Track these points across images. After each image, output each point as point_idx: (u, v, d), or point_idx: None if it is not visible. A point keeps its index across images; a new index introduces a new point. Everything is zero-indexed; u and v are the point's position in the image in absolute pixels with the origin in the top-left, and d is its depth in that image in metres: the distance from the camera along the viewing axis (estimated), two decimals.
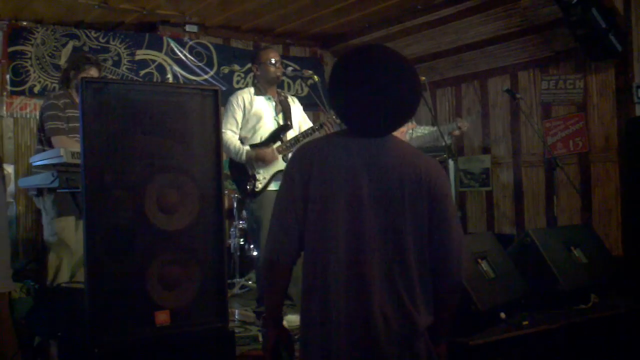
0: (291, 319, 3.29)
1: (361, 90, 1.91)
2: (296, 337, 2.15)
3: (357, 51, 2.00)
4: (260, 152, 4.19)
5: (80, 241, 4.02)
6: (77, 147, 3.81)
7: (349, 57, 2.00)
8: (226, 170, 4.41)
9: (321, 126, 4.22)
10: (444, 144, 4.47)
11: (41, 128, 4.28)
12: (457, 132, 4.47)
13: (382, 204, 1.92)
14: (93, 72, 4.34)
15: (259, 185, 4.18)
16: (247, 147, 4.24)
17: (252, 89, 4.42)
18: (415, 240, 1.94)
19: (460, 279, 2.01)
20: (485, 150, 6.55)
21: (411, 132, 4.42)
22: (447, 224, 1.97)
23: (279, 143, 4.26)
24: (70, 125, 4.24)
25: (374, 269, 1.91)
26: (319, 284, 1.95)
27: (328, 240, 1.93)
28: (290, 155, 4.14)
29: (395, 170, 1.94)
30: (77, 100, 4.33)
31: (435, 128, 4.40)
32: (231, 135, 4.27)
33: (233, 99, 4.37)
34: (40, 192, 4.14)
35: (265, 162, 4.18)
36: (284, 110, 4.41)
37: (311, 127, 4.27)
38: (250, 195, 4.25)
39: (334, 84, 2.00)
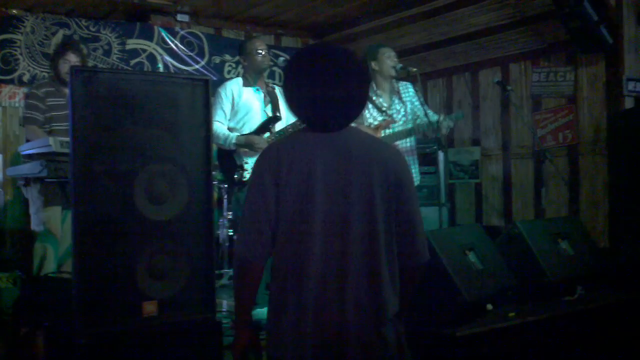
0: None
1: (311, 86, 1.98)
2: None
3: (306, 50, 2.14)
4: (250, 137, 4.19)
5: (68, 231, 4.02)
6: (46, 139, 3.83)
7: (299, 56, 2.11)
8: (215, 161, 4.40)
9: None
10: (430, 136, 4.46)
11: None
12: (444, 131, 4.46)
13: (353, 194, 1.98)
14: (70, 57, 4.32)
15: (247, 175, 4.19)
16: (236, 133, 4.24)
17: (240, 80, 4.40)
18: (384, 228, 2.01)
19: (426, 258, 2.12)
20: (475, 142, 6.56)
21: (389, 131, 4.40)
22: (413, 209, 2.07)
23: (267, 134, 4.25)
24: (51, 114, 4.24)
25: (348, 260, 1.96)
26: (293, 276, 1.98)
27: (303, 235, 1.97)
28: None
29: (363, 161, 2.00)
30: (63, 88, 4.32)
31: (410, 127, 4.41)
32: (219, 125, 4.26)
33: (221, 90, 4.35)
34: (27, 181, 4.13)
35: (255, 148, 4.16)
36: (273, 101, 4.39)
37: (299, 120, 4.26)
38: (237, 185, 4.26)
39: (287, 83, 2.07)
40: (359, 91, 2.03)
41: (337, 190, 1.97)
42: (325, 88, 1.97)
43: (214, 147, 4.33)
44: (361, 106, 2.07)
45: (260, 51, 4.34)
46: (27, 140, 4.34)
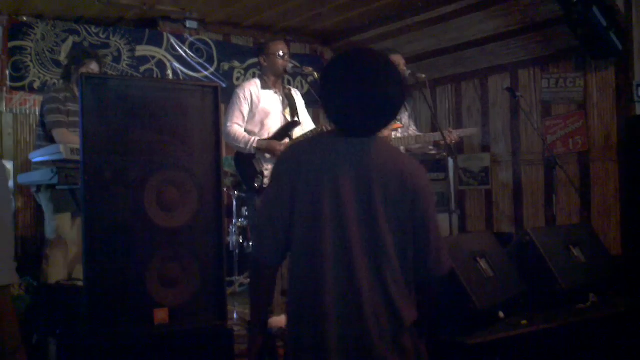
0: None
1: (350, 90, 1.96)
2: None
3: (347, 54, 2.08)
4: (271, 143, 4.12)
5: (78, 238, 4.03)
6: (78, 142, 3.82)
7: (340, 59, 2.08)
8: (226, 168, 4.38)
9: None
10: (432, 151, 4.46)
11: (41, 123, 4.28)
12: (442, 142, 4.38)
13: (368, 203, 1.96)
14: (93, 67, 4.34)
15: (267, 182, 4.15)
16: (256, 137, 4.17)
17: (258, 82, 4.33)
18: (398, 239, 1.98)
19: (443, 271, 2.07)
20: (485, 148, 6.54)
21: (397, 133, 4.41)
22: (428, 224, 2.03)
23: (287, 140, 4.20)
24: (70, 119, 4.23)
25: (362, 267, 1.94)
26: (309, 282, 1.97)
27: (316, 240, 1.96)
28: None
29: (380, 171, 1.99)
30: (78, 94, 4.33)
31: (421, 134, 4.41)
32: (238, 128, 4.20)
33: (240, 92, 4.26)
34: (39, 187, 4.14)
35: (276, 154, 4.10)
36: (291, 105, 4.34)
37: (320, 127, 4.22)
38: (257, 192, 4.21)
39: (325, 85, 2.06)
40: (395, 96, 2.01)
41: (352, 198, 1.96)
42: (362, 91, 1.95)
43: (230, 154, 4.32)
44: (396, 111, 2.05)
45: (281, 54, 4.31)
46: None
